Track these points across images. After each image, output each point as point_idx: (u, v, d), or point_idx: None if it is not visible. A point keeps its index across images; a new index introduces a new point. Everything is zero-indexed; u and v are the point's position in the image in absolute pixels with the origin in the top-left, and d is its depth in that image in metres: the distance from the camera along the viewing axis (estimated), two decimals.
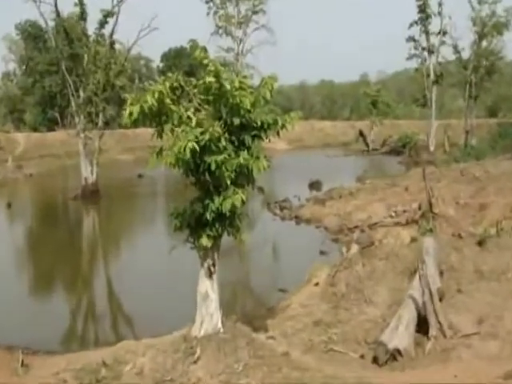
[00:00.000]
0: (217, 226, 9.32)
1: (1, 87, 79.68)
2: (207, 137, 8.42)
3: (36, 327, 13.16)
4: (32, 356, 11.10)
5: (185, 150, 8.32)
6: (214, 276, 9.80)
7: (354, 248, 17.04)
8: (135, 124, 8.85)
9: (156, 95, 8.64)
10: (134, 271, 17.61)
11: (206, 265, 9.73)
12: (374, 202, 24.56)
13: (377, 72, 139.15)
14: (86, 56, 33.81)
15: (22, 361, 10.38)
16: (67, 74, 33.69)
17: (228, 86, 8.87)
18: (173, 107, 8.90)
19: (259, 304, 14.68)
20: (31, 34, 69.32)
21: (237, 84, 9.12)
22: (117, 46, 40.28)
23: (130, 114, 8.70)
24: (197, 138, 8.42)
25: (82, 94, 33.74)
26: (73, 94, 33.81)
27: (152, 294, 15.07)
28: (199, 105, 9.45)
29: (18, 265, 20.18)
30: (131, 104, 8.70)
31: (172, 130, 8.97)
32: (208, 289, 9.75)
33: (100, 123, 34.67)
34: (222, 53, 75.23)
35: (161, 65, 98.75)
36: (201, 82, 9.09)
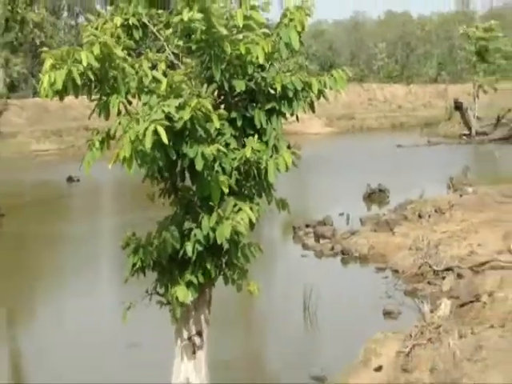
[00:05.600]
0: (206, 266, 9.46)
1: None
2: (187, 114, 8.51)
3: None
4: None
5: (145, 136, 8.26)
6: (201, 353, 9.92)
7: (445, 306, 17.06)
8: (61, 95, 8.85)
9: (97, 50, 8.62)
10: (59, 350, 17.73)
11: (185, 334, 9.86)
12: (481, 227, 24.52)
13: None
14: None
15: None
16: None
17: (223, 30, 9.01)
18: (127, 66, 8.96)
19: None
20: None
21: (240, 20, 9.28)
22: None
23: (52, 83, 8.62)
24: (169, 116, 8.48)
25: None
26: None
27: None
28: (175, 56, 9.62)
29: None
30: (53, 67, 8.61)
31: (124, 105, 9.09)
32: (190, 376, 9.87)
33: (1, 87, 34.94)
34: None
35: None
36: (177, 18, 9.21)
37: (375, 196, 35.32)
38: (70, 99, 9.16)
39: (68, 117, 61.15)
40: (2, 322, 21.20)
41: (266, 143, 9.27)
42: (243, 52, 9.10)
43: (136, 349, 16.98)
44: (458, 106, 65.72)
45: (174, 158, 8.75)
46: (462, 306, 17.30)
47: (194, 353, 9.89)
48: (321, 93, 9.61)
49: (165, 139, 8.21)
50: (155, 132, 8.19)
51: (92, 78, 8.77)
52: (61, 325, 19.93)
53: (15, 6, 33.77)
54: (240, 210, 9.02)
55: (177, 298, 9.38)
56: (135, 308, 9.91)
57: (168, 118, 8.42)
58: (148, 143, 8.18)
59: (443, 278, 20.70)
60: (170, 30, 9.54)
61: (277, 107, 9.46)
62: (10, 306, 22.34)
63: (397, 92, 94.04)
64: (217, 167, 8.88)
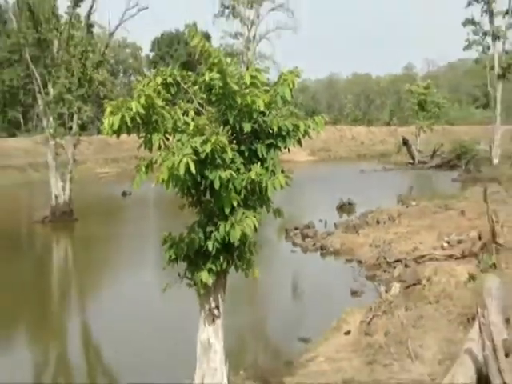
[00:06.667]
0: (222, 258, 9.48)
1: None
2: (209, 147, 8.59)
3: None
4: None
5: (179, 165, 8.48)
6: (219, 321, 9.92)
7: (396, 287, 17.15)
8: (118, 134, 9.01)
9: (142, 101, 8.81)
10: (120, 319, 17.70)
11: (207, 307, 9.87)
12: (422, 230, 24.63)
13: (425, 63, 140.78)
14: (56, 42, 34.27)
15: None
16: (32, 65, 34.14)
17: (235, 87, 9.07)
18: (165, 112, 9.08)
19: (275, 356, 14.75)
20: None
21: (247, 80, 9.33)
22: (96, 29, 41.05)
23: (111, 125, 8.85)
24: (196, 150, 8.61)
25: (51, 89, 34.14)
26: (40, 91, 34.24)
27: (142, 348, 15.19)
28: (200, 106, 9.68)
29: None
30: (111, 113, 8.83)
31: (163, 141, 9.18)
32: (210, 337, 9.87)
33: (74, 127, 35.06)
34: (229, 39, 75.96)
35: (151, 54, 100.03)
36: (201, 78, 9.31)
37: (345, 207, 35.36)
38: (124, 136, 9.30)
39: (123, 148, 61.63)
40: (89, 297, 21.55)
41: (267, 168, 9.30)
42: (250, 102, 9.14)
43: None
44: (405, 142, 66.13)
45: (199, 179, 8.86)
46: (407, 287, 17.33)
47: (213, 321, 9.91)
48: (306, 132, 9.65)
49: (193, 169, 8.44)
50: (186, 163, 8.41)
51: (139, 121, 8.94)
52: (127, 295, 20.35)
53: (85, 69, 34.18)
54: (247, 217, 9.08)
55: (201, 280, 9.44)
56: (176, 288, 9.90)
57: (195, 150, 8.58)
58: (182, 170, 8.41)
59: (394, 267, 20.74)
60: (197, 87, 9.65)
61: (274, 142, 9.50)
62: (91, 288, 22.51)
63: (360, 132, 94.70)
64: (230, 186, 8.93)
